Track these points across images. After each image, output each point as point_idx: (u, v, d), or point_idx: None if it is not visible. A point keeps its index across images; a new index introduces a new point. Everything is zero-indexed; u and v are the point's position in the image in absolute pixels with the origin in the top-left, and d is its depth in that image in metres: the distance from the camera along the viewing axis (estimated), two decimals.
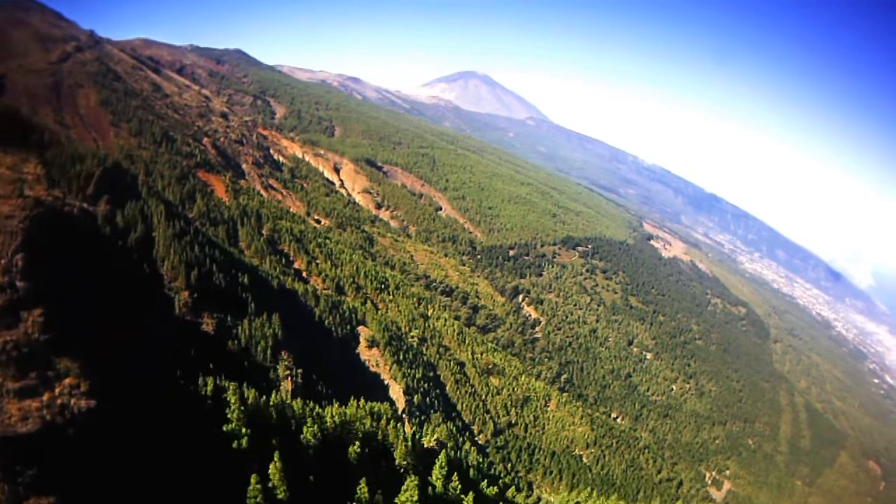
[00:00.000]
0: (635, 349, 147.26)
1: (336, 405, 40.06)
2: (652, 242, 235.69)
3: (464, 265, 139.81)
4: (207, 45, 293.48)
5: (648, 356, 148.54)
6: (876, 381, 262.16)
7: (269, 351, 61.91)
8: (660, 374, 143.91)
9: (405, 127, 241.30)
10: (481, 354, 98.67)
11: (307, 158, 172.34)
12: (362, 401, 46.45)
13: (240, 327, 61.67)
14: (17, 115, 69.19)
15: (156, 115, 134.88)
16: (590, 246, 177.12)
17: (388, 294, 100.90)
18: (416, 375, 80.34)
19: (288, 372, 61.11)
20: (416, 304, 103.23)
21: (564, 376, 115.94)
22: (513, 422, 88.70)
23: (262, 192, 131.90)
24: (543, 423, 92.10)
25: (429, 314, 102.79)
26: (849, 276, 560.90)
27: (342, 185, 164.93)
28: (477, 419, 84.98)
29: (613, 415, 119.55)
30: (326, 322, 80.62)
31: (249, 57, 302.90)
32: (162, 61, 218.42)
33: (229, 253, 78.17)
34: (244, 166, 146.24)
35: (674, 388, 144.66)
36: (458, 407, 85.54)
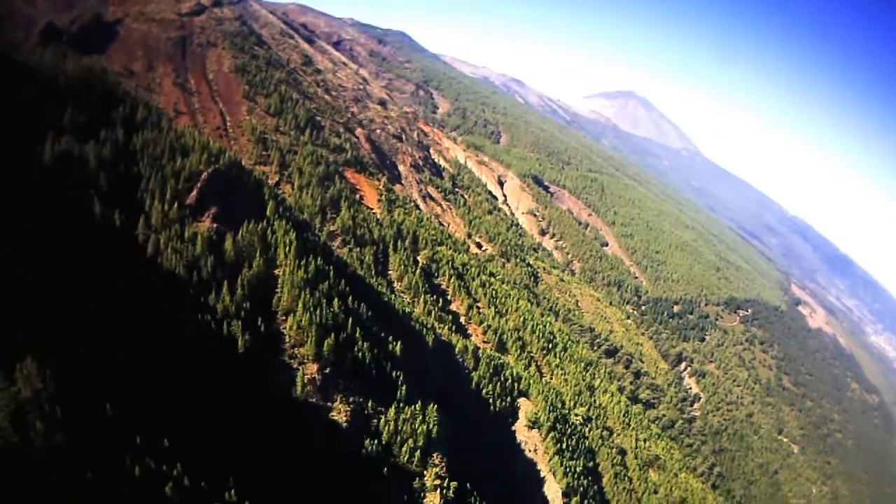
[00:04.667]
0: (785, 439, 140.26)
1: None
2: (800, 308, 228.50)
3: (629, 318, 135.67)
4: (368, 22, 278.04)
5: (795, 449, 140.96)
6: None
7: (417, 453, 47.64)
8: (803, 472, 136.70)
9: (574, 145, 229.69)
10: (644, 442, 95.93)
11: (470, 165, 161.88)
12: None
13: (382, 418, 47.72)
14: (100, 78, 57.41)
15: (302, 94, 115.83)
16: (749, 311, 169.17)
17: (555, 356, 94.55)
18: (577, 468, 71.59)
19: (438, 482, 48.76)
20: (584, 372, 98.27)
21: (717, 469, 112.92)
22: None
23: (420, 203, 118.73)
24: None
25: (595, 385, 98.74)
26: None
27: (505, 202, 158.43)
28: None
29: None
30: (485, 392, 70.26)
31: (413, 41, 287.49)
32: (317, 32, 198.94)
33: (380, 301, 63.44)
34: (401, 168, 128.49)
35: (813, 490, 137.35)
36: None
